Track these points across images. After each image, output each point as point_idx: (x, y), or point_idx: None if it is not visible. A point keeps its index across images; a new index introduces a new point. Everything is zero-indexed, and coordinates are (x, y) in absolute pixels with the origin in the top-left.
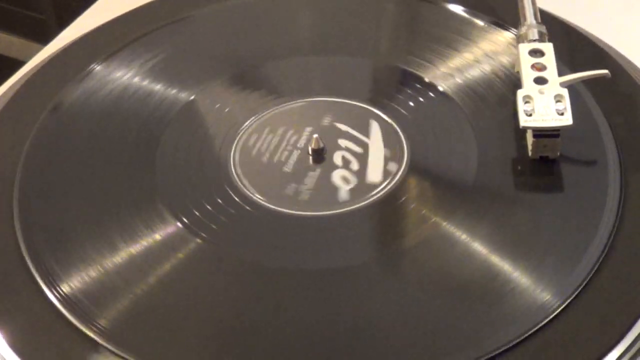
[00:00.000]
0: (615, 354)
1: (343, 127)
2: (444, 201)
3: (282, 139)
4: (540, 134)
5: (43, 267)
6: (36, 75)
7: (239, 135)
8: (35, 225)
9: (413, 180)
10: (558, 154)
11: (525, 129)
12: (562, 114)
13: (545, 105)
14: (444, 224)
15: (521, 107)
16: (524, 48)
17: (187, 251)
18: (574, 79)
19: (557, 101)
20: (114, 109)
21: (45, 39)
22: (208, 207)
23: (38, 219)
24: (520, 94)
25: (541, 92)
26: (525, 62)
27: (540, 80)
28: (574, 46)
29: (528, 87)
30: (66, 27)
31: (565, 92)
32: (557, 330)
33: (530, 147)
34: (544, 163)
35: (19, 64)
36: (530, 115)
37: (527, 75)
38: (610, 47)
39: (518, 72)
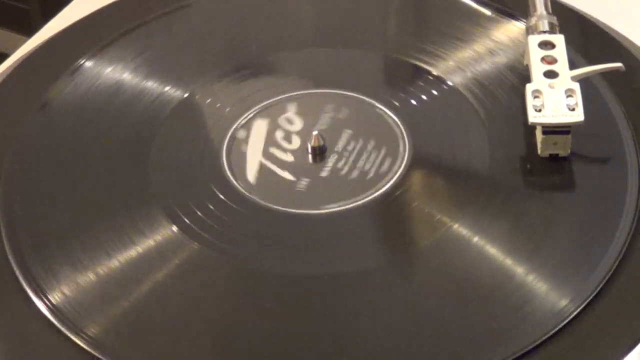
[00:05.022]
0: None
1: (346, 123)
2: (453, 201)
3: (282, 136)
4: (550, 130)
5: (30, 273)
6: (20, 69)
7: (237, 133)
8: (22, 229)
9: (420, 178)
10: (569, 151)
11: (534, 126)
12: (573, 109)
13: (555, 100)
14: (453, 225)
15: (530, 102)
16: (534, 40)
17: (182, 256)
18: (586, 73)
19: (568, 96)
20: (104, 106)
21: (29, 31)
22: (205, 210)
23: (24, 223)
24: (529, 88)
25: (551, 87)
26: (535, 55)
27: (550, 74)
28: (588, 37)
29: (537, 81)
30: (52, 18)
31: (576, 87)
32: (574, 336)
33: (539, 145)
34: (558, 161)
35: (2, 56)
36: (540, 110)
37: (537, 69)
38: (626, 38)
39: (527, 66)
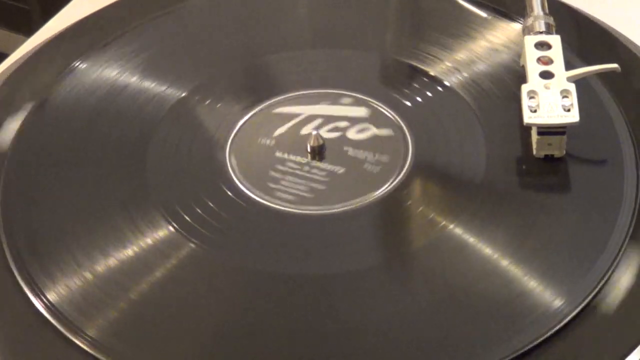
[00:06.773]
0: None
1: (344, 124)
2: (450, 202)
3: (280, 137)
4: (545, 131)
5: (28, 273)
6: (19, 69)
7: (235, 133)
8: (20, 230)
9: (417, 180)
10: (564, 152)
11: (529, 126)
12: (568, 110)
13: (550, 101)
14: (450, 226)
15: (525, 102)
16: (530, 40)
17: (180, 256)
18: (582, 74)
19: (564, 97)
20: (102, 106)
21: (29, 31)
22: (202, 209)
23: (22, 223)
24: (524, 89)
25: (547, 87)
26: (531, 56)
27: (546, 75)
28: (586, 35)
29: (533, 81)
30: (51, 17)
31: (572, 87)
32: (569, 339)
33: (534, 145)
34: (554, 162)
35: (1, 56)
36: (535, 111)
37: (533, 70)
38: (626, 38)
39: (523, 66)
